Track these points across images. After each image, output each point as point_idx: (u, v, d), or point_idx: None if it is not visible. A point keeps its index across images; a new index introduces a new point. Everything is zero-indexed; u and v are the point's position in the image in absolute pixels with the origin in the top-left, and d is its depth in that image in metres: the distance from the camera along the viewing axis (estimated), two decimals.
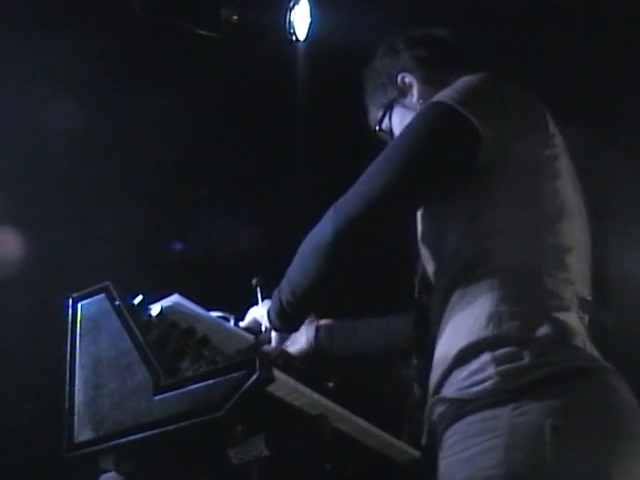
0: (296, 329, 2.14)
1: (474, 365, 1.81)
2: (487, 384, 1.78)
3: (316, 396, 1.89)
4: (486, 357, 1.80)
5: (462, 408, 1.80)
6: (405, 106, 2.22)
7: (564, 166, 2.02)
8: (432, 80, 2.19)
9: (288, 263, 2.00)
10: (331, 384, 2.17)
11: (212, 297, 2.20)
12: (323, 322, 2.52)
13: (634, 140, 3.74)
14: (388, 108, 2.25)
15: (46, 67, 3.39)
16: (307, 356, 2.47)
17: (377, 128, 2.28)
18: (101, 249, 3.52)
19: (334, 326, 2.51)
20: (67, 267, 3.41)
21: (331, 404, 1.95)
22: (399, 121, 2.23)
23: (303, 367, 2.38)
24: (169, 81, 3.65)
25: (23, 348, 3.34)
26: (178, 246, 3.99)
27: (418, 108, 2.16)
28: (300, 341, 2.48)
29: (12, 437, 3.29)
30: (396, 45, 2.27)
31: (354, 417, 2.03)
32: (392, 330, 2.46)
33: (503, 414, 1.75)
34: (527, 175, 1.95)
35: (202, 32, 3.54)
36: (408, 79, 2.22)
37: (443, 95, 1.97)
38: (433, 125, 1.95)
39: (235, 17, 3.57)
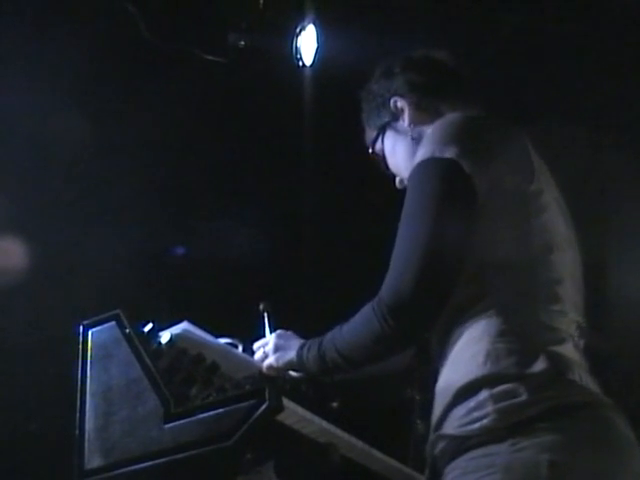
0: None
1: (473, 402, 1.83)
2: (485, 421, 1.80)
3: (324, 424, 1.91)
4: (484, 394, 1.82)
5: (462, 445, 1.82)
6: (397, 130, 2.21)
7: (550, 199, 2.02)
8: (424, 106, 2.18)
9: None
10: (335, 404, 2.18)
11: (215, 301, 2.19)
12: None
13: (634, 140, 3.75)
14: (381, 131, 2.24)
15: (48, 72, 3.42)
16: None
17: (370, 150, 2.29)
18: (102, 253, 3.53)
19: None
20: (70, 275, 3.44)
21: (339, 431, 1.97)
22: (391, 145, 2.23)
23: (309, 391, 2.39)
24: (174, 88, 3.67)
25: (28, 366, 3.35)
26: (180, 251, 4.01)
27: (409, 133, 2.17)
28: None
29: (17, 457, 3.30)
30: (392, 68, 2.25)
31: (361, 444, 2.05)
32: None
33: (500, 451, 1.76)
34: (515, 211, 1.95)
35: (210, 57, 3.57)
36: (400, 103, 2.20)
37: (432, 149, 1.93)
38: (440, 183, 1.91)
39: (242, 42, 3.61)
